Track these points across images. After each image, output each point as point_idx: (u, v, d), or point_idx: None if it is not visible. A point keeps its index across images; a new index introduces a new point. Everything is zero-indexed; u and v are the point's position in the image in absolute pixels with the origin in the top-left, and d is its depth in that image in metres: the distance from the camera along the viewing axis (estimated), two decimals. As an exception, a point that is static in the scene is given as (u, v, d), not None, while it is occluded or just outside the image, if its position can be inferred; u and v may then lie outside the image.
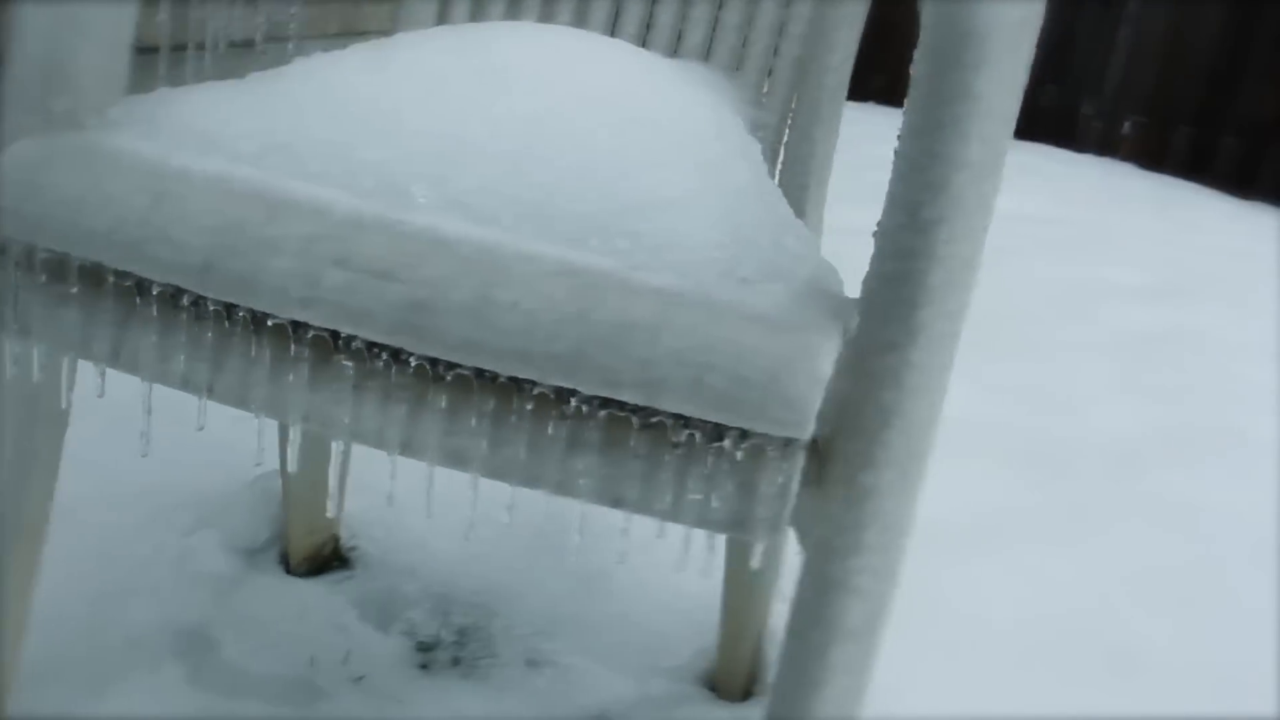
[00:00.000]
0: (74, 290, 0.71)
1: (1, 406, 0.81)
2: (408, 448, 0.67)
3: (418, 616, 1.20)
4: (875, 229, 0.69)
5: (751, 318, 0.65)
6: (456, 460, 0.67)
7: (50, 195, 0.69)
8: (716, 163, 0.78)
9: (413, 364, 0.67)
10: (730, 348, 0.63)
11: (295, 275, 0.66)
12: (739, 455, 0.64)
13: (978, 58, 0.65)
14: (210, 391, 0.70)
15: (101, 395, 0.73)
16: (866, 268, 0.67)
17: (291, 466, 1.21)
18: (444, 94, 0.78)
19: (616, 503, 0.66)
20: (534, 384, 0.65)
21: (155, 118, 0.76)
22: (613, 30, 1.11)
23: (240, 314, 0.68)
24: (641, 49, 0.96)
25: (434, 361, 0.66)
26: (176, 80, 0.91)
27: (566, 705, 1.12)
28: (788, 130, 1.08)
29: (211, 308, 0.69)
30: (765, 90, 1.09)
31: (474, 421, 0.66)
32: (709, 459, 0.65)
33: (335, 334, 0.67)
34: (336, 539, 1.28)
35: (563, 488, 0.66)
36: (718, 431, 0.64)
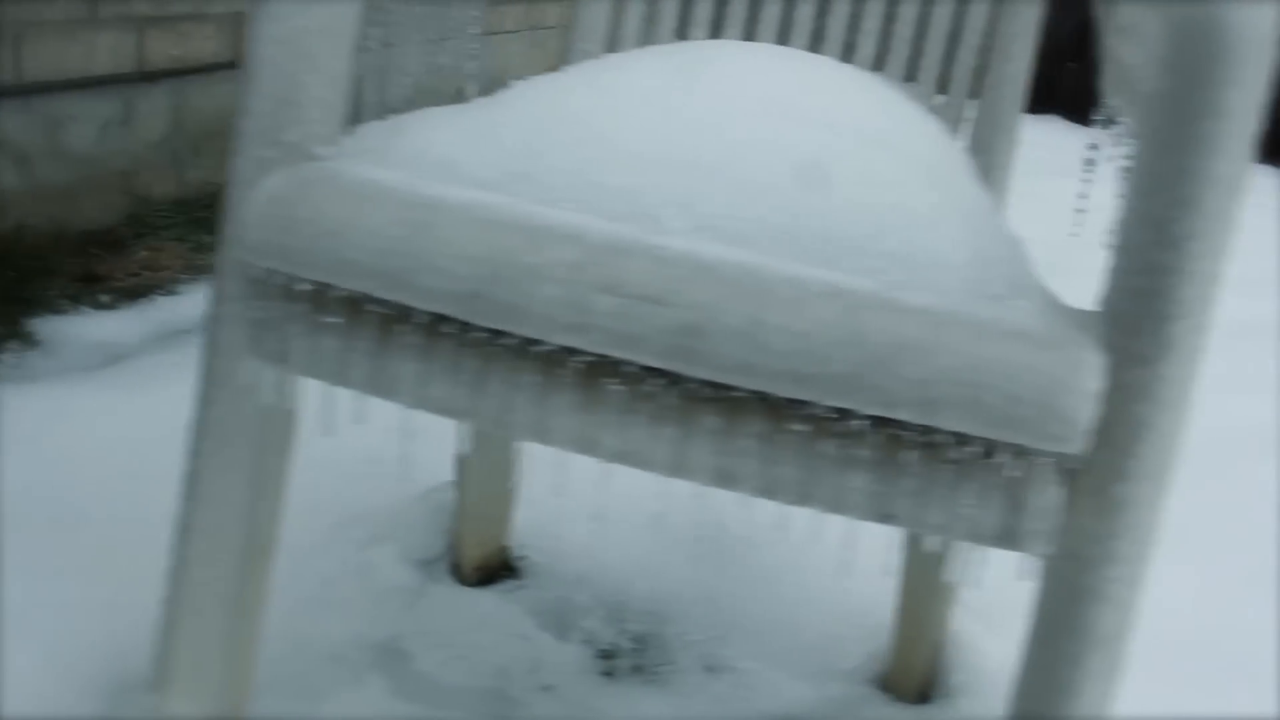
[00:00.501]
0: (334, 319, 0.73)
1: (241, 429, 0.83)
2: (678, 469, 0.69)
3: (593, 625, 1.22)
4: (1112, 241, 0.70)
5: (1015, 334, 0.65)
6: (726, 480, 0.68)
7: (310, 228, 0.71)
8: (946, 178, 0.79)
9: (681, 386, 0.68)
10: (1001, 365, 0.64)
11: (564, 302, 0.67)
12: (1011, 470, 0.65)
13: (1228, 75, 0.66)
14: (470, 416, 0.72)
15: (360, 423, 0.75)
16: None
17: (466, 480, 1.24)
18: (671, 117, 0.79)
19: (887, 518, 0.67)
20: (805, 403, 0.66)
21: (390, 148, 0.78)
22: (784, 39, 1.12)
23: (505, 340, 0.70)
24: (844, 64, 0.98)
25: (703, 383, 0.67)
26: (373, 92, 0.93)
27: (749, 710, 1.13)
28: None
29: (474, 334, 0.71)
30: (939, 101, 1.10)
31: (745, 442, 0.67)
32: (981, 474, 0.66)
33: (602, 357, 0.69)
34: (506, 549, 1.30)
35: (835, 505, 0.67)
36: (988, 447, 0.65)
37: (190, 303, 1.99)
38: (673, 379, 0.69)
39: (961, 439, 0.65)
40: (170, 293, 2.03)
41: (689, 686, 1.15)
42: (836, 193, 0.73)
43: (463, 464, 1.23)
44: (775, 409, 0.67)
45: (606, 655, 1.18)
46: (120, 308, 1.94)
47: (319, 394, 0.78)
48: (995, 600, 0.97)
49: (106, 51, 2.16)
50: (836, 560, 1.13)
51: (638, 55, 0.91)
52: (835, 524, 0.74)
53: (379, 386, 0.74)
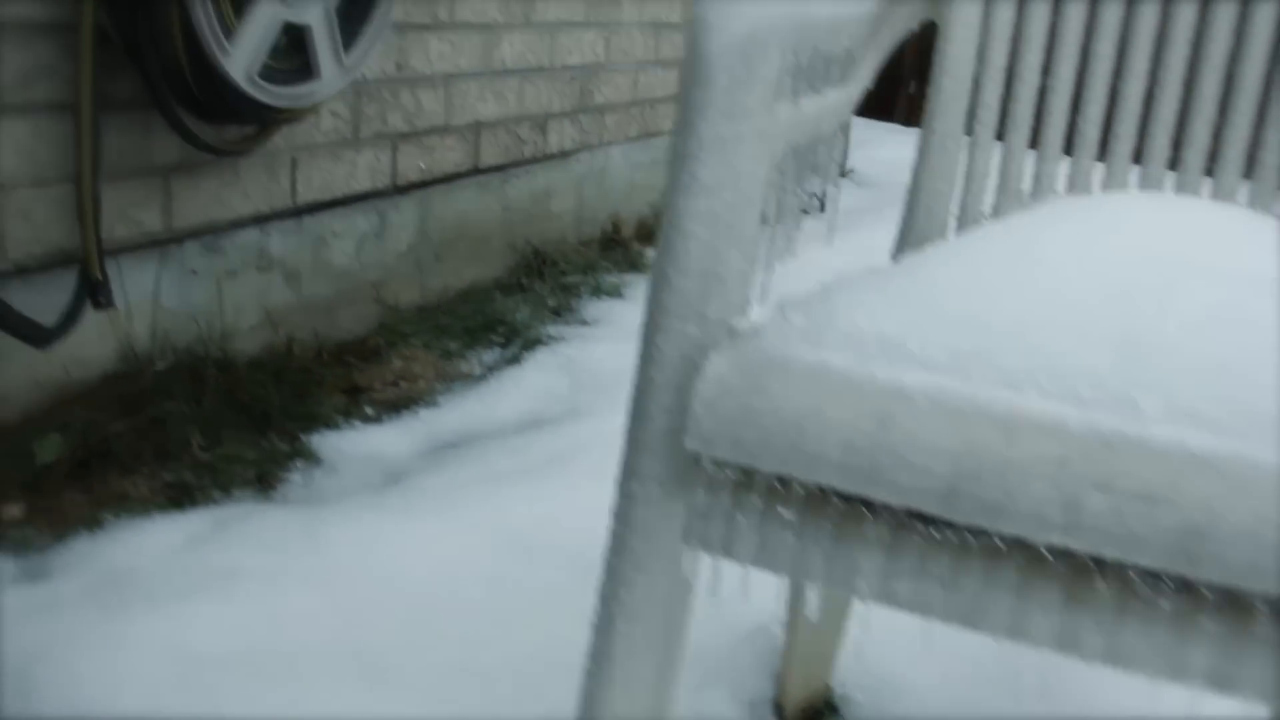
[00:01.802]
0: (791, 513, 0.71)
1: (656, 607, 0.82)
2: (1176, 673, 0.65)
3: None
4: None
5: None
6: (1226, 686, 0.64)
7: (769, 420, 0.70)
8: None
9: (1174, 587, 0.64)
10: None
11: (1052, 500, 0.64)
12: None
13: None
14: (939, 614, 0.69)
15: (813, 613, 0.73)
16: None
17: (796, 624, 1.21)
18: (1106, 283, 0.76)
19: None
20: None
21: (824, 325, 0.77)
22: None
23: (983, 536, 0.67)
24: (1254, 214, 0.93)
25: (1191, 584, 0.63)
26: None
27: None
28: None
29: (944, 529, 0.68)
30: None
31: (1247, 646, 0.63)
32: None
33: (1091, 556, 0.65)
34: (829, 689, 1.27)
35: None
36: None
37: (449, 415, 2.02)
38: (1157, 576, 0.65)
39: None
40: (429, 404, 2.07)
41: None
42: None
43: (794, 606, 1.20)
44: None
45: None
46: (386, 420, 1.99)
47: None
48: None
49: (365, 169, 2.24)
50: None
51: (1042, 212, 0.88)
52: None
53: (836, 579, 0.71)
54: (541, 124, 2.83)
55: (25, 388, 1.66)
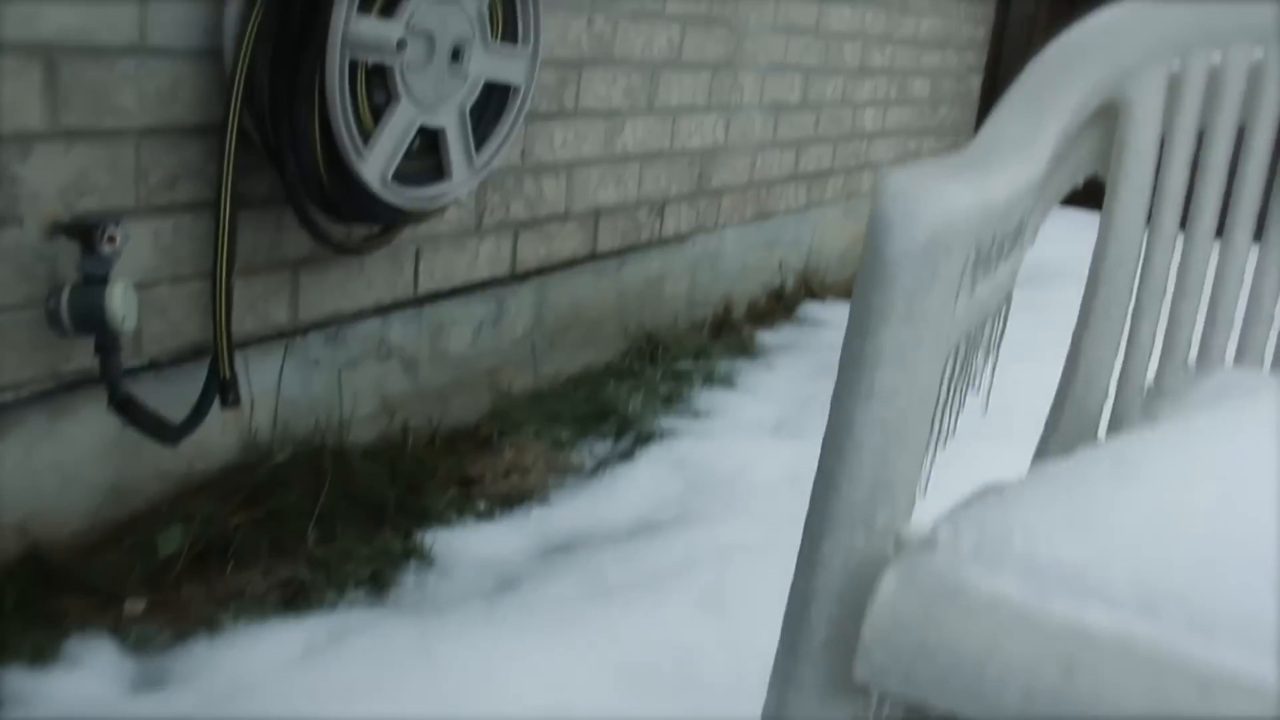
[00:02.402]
0: (961, 752, 0.67)
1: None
2: None
3: None
4: None
5: None
6: None
7: (945, 656, 0.66)
8: None
9: None
10: None
11: (1259, 776, 0.59)
12: None
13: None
14: None
15: None
16: None
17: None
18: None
19: None
20: None
21: (997, 543, 0.73)
22: None
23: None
24: None
25: None
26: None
27: None
28: None
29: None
30: None
31: None
32: None
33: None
34: None
35: None
36: None
37: (560, 513, 2.00)
38: None
39: None
40: (541, 500, 2.05)
41: None
42: None
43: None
44: None
45: None
46: (498, 516, 1.97)
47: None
48: None
49: (486, 258, 2.25)
50: None
51: (1221, 415, 0.83)
52: None
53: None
54: (659, 208, 2.82)
55: (150, 479, 1.68)
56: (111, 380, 1.43)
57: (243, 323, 1.74)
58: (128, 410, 1.46)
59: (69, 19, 1.41)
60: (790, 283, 3.35)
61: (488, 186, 2.20)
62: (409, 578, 1.72)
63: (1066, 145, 1.03)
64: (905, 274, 0.71)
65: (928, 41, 4.29)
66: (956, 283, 0.74)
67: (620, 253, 2.70)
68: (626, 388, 2.58)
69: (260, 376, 1.81)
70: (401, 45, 1.48)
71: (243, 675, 1.37)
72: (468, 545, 1.85)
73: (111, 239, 1.40)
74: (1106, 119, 1.12)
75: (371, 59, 1.50)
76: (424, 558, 1.78)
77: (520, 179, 2.29)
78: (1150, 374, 1.08)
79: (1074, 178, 1.07)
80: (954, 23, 4.54)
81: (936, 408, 0.80)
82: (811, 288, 3.41)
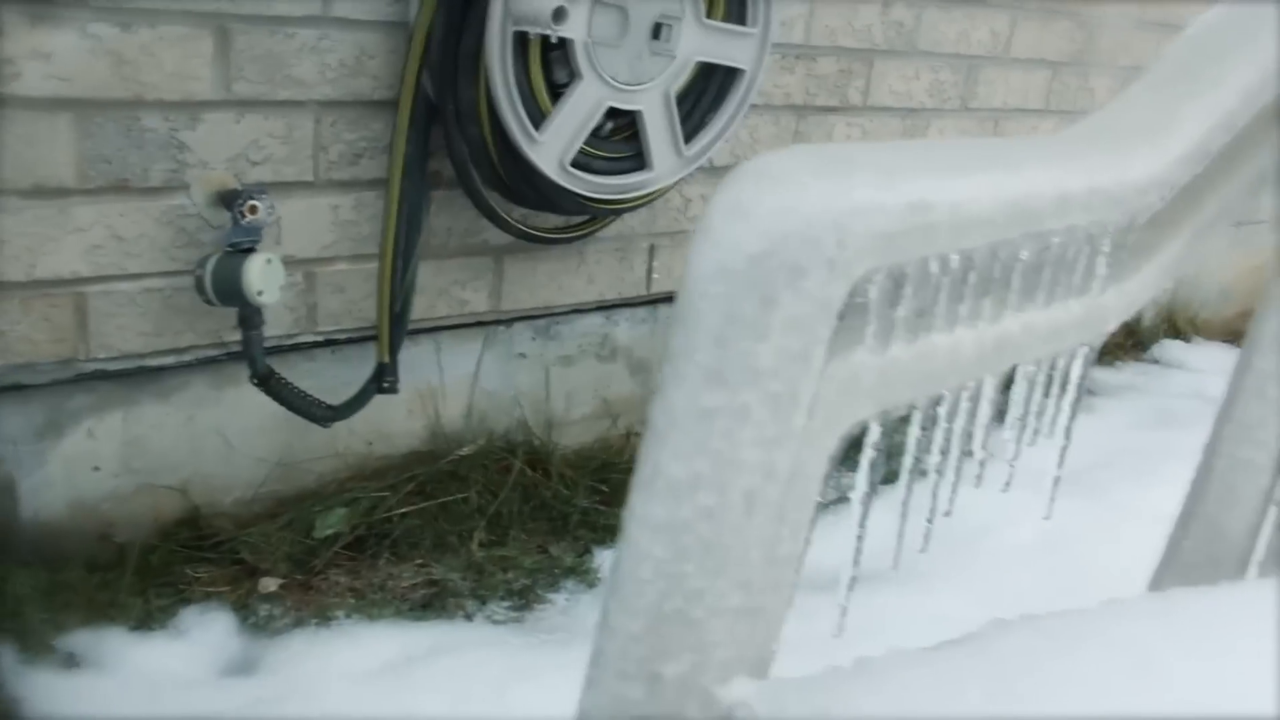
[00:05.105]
0: None
1: None
2: None
3: None
4: None
5: None
6: None
7: None
8: None
9: None
10: None
11: None
12: None
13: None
14: None
15: None
16: None
17: None
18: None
19: None
20: None
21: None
22: None
23: None
24: None
25: None
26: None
27: None
28: None
29: None
30: None
31: None
32: None
33: None
34: None
35: None
36: None
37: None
38: None
39: None
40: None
41: None
42: None
43: None
44: None
45: None
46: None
47: None
48: None
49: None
50: None
51: None
52: None
53: None
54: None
55: (323, 457, 1.65)
56: (250, 354, 1.41)
57: (434, 307, 1.68)
58: (269, 386, 1.43)
59: (241, -14, 1.40)
60: (1149, 316, 2.88)
61: (746, 182, 2.01)
62: (561, 598, 1.59)
63: (1235, 142, 0.71)
64: (713, 305, 0.48)
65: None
66: (823, 324, 0.49)
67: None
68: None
69: (454, 365, 1.75)
70: (559, 15, 1.33)
71: (313, 677, 1.29)
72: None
73: (253, 209, 1.37)
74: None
75: (532, 31, 1.37)
76: (587, 578, 1.64)
77: (790, 176, 2.08)
78: None
79: (1255, 190, 0.74)
80: None
81: (808, 520, 0.55)
82: (1177, 324, 2.91)
